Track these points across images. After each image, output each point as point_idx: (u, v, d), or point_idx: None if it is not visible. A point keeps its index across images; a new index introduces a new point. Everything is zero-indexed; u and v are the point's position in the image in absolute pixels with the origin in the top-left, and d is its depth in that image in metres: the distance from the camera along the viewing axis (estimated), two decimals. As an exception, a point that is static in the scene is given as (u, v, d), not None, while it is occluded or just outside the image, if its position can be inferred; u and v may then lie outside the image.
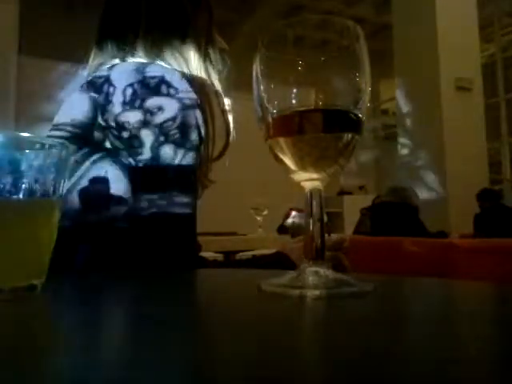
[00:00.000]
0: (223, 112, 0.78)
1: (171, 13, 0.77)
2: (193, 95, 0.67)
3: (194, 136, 0.65)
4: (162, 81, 0.66)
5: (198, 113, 0.66)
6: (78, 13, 4.50)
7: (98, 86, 0.67)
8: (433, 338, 0.22)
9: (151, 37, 0.74)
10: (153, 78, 0.66)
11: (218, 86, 0.78)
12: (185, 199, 0.63)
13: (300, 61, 0.37)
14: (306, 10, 5.60)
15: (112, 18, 0.79)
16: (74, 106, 0.68)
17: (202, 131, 0.68)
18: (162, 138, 0.63)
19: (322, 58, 0.37)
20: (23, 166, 0.34)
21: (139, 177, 0.62)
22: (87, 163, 0.65)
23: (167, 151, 0.63)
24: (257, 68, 0.38)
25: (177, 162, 0.63)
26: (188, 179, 0.64)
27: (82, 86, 0.69)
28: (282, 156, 0.38)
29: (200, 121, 0.67)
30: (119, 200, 0.63)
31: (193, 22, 0.78)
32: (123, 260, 0.61)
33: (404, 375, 0.17)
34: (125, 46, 0.74)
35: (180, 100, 0.65)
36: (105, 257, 0.62)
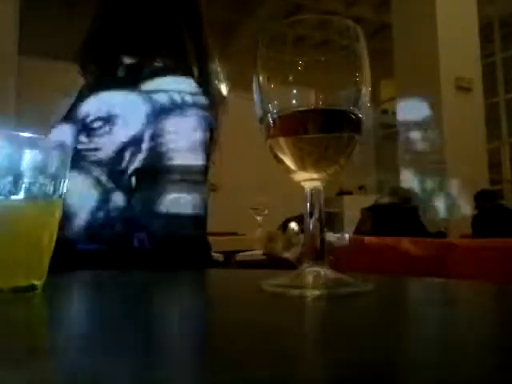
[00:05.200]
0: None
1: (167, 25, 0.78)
2: (206, 101, 0.69)
3: (206, 137, 0.67)
4: (180, 91, 0.67)
5: (210, 116, 0.69)
6: (78, 13, 4.50)
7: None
8: (433, 339, 0.22)
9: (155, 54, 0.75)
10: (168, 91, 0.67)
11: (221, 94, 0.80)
12: (197, 200, 0.64)
13: (300, 61, 0.37)
14: (305, 10, 5.60)
15: (108, 32, 0.79)
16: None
17: (214, 133, 0.70)
18: (175, 141, 0.64)
19: (322, 58, 0.37)
20: (23, 166, 0.34)
21: (151, 178, 0.64)
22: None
23: (179, 153, 0.64)
24: (257, 68, 0.38)
25: (189, 163, 0.65)
26: (200, 180, 0.66)
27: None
28: (282, 156, 0.38)
29: (213, 123, 0.69)
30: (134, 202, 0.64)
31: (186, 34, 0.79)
32: (136, 261, 0.61)
33: (404, 376, 0.17)
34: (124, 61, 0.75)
35: (195, 107, 0.67)
36: (118, 257, 0.62)
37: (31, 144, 0.35)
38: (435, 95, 4.48)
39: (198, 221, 0.65)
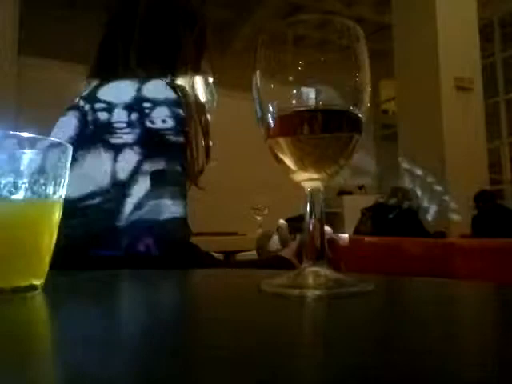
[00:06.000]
0: (205, 133, 0.79)
1: (164, 37, 0.79)
2: (180, 105, 0.70)
3: (179, 140, 0.68)
4: (153, 99, 0.68)
5: (184, 119, 0.69)
6: (78, 13, 4.50)
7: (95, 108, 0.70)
8: (433, 339, 0.22)
9: (143, 58, 0.76)
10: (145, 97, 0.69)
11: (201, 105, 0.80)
12: (178, 202, 0.66)
13: (300, 61, 0.37)
14: (305, 10, 5.59)
15: (111, 42, 0.80)
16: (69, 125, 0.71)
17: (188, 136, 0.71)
18: (148, 144, 0.66)
19: (322, 58, 0.37)
20: (23, 166, 0.34)
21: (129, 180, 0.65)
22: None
23: (153, 157, 0.65)
24: (257, 68, 0.38)
25: (164, 167, 0.66)
26: (178, 182, 0.67)
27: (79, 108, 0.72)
28: (282, 156, 0.38)
29: (185, 126, 0.70)
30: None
31: (184, 48, 0.80)
32: (142, 266, 0.62)
33: (404, 377, 0.17)
34: (120, 68, 0.76)
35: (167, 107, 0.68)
36: (124, 263, 0.63)
37: (31, 144, 0.35)
38: (435, 95, 4.48)
39: (182, 222, 0.67)
